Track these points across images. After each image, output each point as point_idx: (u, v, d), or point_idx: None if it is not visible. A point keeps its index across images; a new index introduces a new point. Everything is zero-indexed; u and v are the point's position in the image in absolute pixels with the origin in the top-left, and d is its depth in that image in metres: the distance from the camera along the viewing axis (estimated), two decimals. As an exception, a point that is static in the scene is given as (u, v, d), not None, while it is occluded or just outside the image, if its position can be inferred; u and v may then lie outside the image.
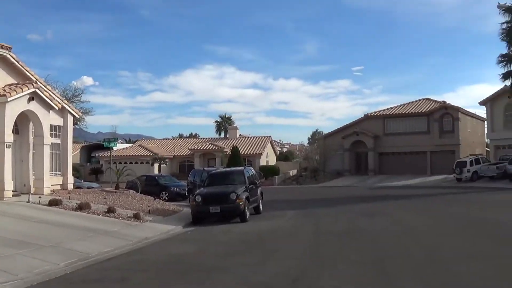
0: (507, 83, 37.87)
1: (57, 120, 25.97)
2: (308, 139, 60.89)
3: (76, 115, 29.10)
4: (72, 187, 27.13)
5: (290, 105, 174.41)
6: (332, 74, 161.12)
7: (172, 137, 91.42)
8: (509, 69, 36.92)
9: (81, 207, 20.10)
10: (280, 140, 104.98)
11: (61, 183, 26.18)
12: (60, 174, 26.31)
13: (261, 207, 23.55)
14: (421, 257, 11.31)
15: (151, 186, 33.57)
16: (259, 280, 9.58)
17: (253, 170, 25.24)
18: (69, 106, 27.64)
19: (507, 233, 14.69)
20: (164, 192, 32.96)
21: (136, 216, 19.67)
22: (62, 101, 26.59)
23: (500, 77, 37.40)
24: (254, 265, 11.13)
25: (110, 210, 20.17)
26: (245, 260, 11.90)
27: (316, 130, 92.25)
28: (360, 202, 27.88)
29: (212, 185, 22.03)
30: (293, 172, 59.06)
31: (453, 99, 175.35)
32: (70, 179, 27.09)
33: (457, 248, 12.30)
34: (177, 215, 22.38)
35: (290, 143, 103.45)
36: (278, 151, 76.63)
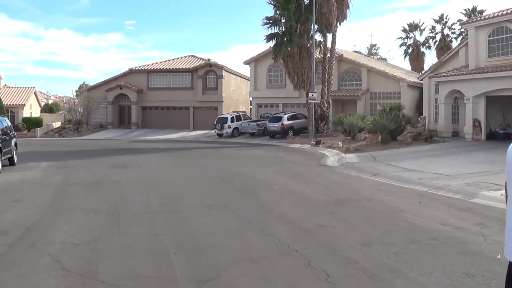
0: (271, 44, 40.46)
1: None
2: (76, 91, 59.56)
3: None
4: None
5: (60, 57, 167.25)
6: (104, 27, 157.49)
7: None
8: (273, 31, 39.61)
9: None
10: (47, 92, 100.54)
11: None
12: None
13: (15, 158, 23.27)
14: (157, 206, 12.58)
15: None
16: (-7, 229, 10.03)
17: (7, 121, 24.49)
18: None
19: (247, 184, 16.32)
20: None
21: None
22: None
23: (264, 38, 39.97)
24: (-9, 216, 11.47)
25: None
26: (-16, 211, 12.15)
27: (84, 82, 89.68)
28: (116, 154, 28.61)
29: None
30: (57, 124, 57.56)
31: (224, 58, 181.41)
32: None
33: (196, 199, 13.58)
34: None
35: (57, 95, 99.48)
36: (44, 103, 73.70)
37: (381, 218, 10.50)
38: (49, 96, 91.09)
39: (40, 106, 64.30)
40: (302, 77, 38.45)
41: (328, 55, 40.09)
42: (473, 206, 11.76)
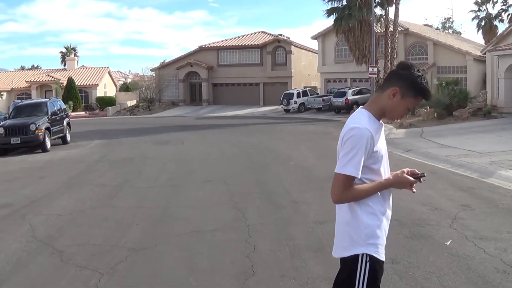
0: (331, 18, 40.25)
1: None
2: (152, 70, 61.27)
3: None
4: None
5: (145, 35, 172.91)
6: (188, 4, 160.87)
7: (15, 69, 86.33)
8: (333, 6, 39.51)
9: None
10: (129, 71, 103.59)
11: None
12: None
13: (68, 138, 24.87)
14: (164, 180, 13.37)
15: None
16: (4, 201, 11.16)
17: (59, 102, 26.10)
18: None
19: (266, 160, 16.59)
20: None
21: None
22: None
23: (324, 13, 39.92)
24: (13, 190, 12.69)
25: None
26: (10, 186, 13.41)
27: (164, 60, 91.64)
28: (170, 131, 29.60)
29: (16, 117, 22.86)
30: (133, 102, 59.66)
31: (308, 33, 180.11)
32: None
33: (204, 174, 14.23)
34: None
35: (138, 73, 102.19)
36: (122, 82, 76.42)
37: (365, 196, 10.44)
38: (128, 75, 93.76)
39: (116, 85, 66.75)
40: (364, 51, 38.00)
41: (391, 28, 39.24)
42: (479, 186, 11.14)
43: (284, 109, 45.38)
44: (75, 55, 74.29)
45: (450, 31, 66.57)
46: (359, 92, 41.55)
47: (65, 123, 24.60)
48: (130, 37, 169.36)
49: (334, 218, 8.26)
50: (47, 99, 25.99)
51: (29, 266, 6.79)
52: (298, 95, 45.27)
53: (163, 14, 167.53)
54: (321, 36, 50.66)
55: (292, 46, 54.48)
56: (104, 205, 10.50)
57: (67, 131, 24.86)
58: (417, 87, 3.19)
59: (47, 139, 21.59)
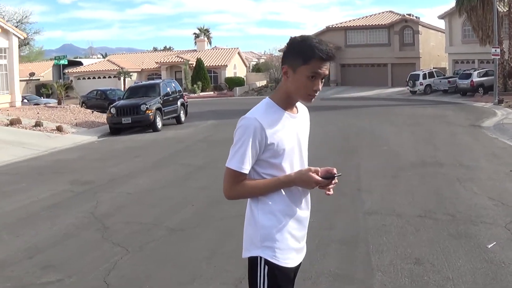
0: None
1: (2, 43, 28.10)
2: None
3: (21, 37, 31.27)
4: (20, 105, 29.76)
5: (281, 16, 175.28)
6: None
7: (147, 50, 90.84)
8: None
9: (12, 123, 22.40)
10: (264, 52, 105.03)
11: (9, 101, 28.74)
12: (8, 93, 28.82)
13: (182, 118, 25.99)
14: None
15: (101, 100, 35.90)
16: (87, 179, 11.99)
17: (175, 83, 27.13)
18: (13, 29, 29.73)
19: (354, 145, 16.12)
20: (111, 106, 35.27)
21: (59, 129, 22.14)
22: (5, 24, 28.65)
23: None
24: (103, 168, 13.60)
25: (37, 124, 22.52)
26: (103, 164, 14.40)
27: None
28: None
29: (129, 98, 24.27)
30: (263, 83, 60.51)
31: (441, 12, 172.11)
32: (18, 97, 29.88)
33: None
34: (104, 127, 24.63)
35: (272, 54, 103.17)
36: (255, 62, 77.79)
37: (434, 187, 9.62)
38: (261, 56, 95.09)
39: (246, 66, 68.00)
40: (487, 31, 36.02)
41: (514, 7, 36.75)
42: None
43: (410, 91, 44.17)
44: (208, 36, 76.47)
45: None
46: (485, 74, 39.17)
47: (179, 103, 25.60)
48: (267, 18, 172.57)
49: (387, 209, 8.25)
50: (160, 81, 27.21)
51: (69, 240, 7.33)
52: (424, 77, 43.86)
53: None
54: (447, 16, 48.50)
55: (420, 26, 52.68)
56: (175, 185, 10.95)
57: (181, 112, 25.83)
58: (302, 50, 2.78)
59: (158, 119, 22.68)
